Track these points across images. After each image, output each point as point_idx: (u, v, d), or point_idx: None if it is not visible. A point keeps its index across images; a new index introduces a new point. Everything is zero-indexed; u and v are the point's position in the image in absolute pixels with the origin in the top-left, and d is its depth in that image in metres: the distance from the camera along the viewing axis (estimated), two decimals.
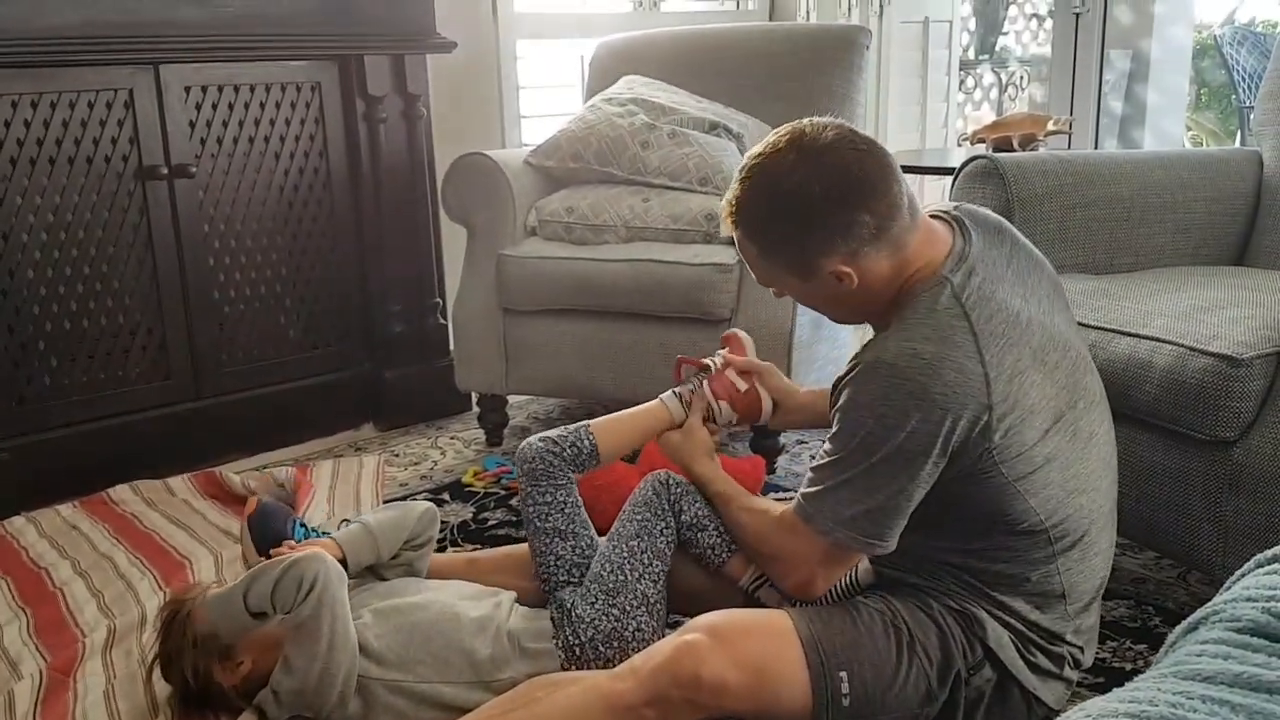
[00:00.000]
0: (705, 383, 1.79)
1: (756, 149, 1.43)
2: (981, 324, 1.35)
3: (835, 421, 1.42)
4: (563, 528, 1.66)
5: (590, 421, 1.74)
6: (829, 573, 1.48)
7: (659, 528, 1.64)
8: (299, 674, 1.47)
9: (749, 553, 1.64)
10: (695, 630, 1.41)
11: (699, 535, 1.66)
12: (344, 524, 1.94)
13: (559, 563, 1.65)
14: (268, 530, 1.82)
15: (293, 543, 1.71)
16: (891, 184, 1.37)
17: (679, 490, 1.68)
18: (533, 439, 1.70)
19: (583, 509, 1.69)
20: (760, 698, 1.39)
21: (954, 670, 1.43)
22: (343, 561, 1.64)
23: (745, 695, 1.38)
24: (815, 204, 1.36)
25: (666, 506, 1.66)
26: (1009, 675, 1.45)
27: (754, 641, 1.41)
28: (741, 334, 1.86)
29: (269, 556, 1.77)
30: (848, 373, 1.42)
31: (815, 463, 1.44)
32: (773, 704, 1.40)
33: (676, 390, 1.79)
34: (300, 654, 1.47)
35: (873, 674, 1.41)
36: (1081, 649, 1.51)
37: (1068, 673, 1.50)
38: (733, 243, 2.45)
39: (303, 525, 1.83)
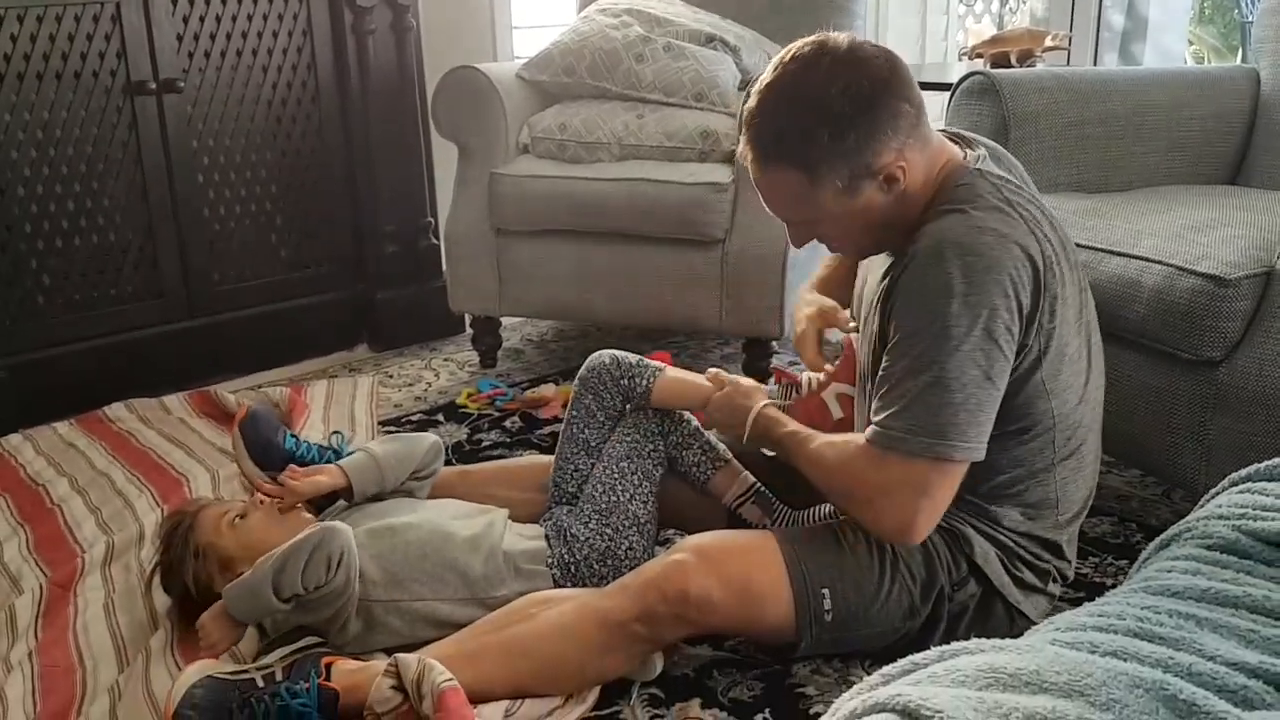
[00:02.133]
0: (793, 402, 1.60)
1: (775, 75, 1.36)
2: (1021, 209, 1.38)
3: (900, 321, 1.35)
4: (593, 443, 1.71)
5: (665, 368, 1.72)
6: (932, 504, 1.36)
7: (647, 449, 1.67)
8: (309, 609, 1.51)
9: (835, 499, 1.51)
10: (684, 550, 1.45)
11: (683, 454, 1.69)
12: (334, 435, 1.96)
13: (575, 475, 1.70)
14: (259, 435, 1.83)
15: (296, 469, 1.71)
16: (912, 76, 1.39)
17: (667, 412, 1.71)
18: (606, 352, 1.73)
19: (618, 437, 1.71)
20: (745, 614, 1.43)
21: (937, 587, 1.46)
22: (348, 490, 1.67)
23: (731, 612, 1.42)
24: (865, 99, 1.32)
25: (655, 429, 1.69)
26: (993, 590, 1.48)
27: (739, 561, 1.45)
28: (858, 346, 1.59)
29: (267, 473, 1.79)
30: (896, 269, 1.37)
31: (882, 385, 1.36)
32: (758, 620, 1.45)
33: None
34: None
35: (855, 591, 1.45)
36: (1069, 562, 1.55)
37: (1051, 587, 1.54)
38: (730, 160, 2.48)
39: (293, 436, 1.84)
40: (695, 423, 1.73)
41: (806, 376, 1.55)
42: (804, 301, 1.76)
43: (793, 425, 1.53)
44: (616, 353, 1.73)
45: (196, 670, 1.39)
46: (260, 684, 1.38)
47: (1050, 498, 1.48)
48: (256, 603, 1.48)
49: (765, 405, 1.57)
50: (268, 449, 1.80)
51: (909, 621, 1.47)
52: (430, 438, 1.79)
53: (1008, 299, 1.31)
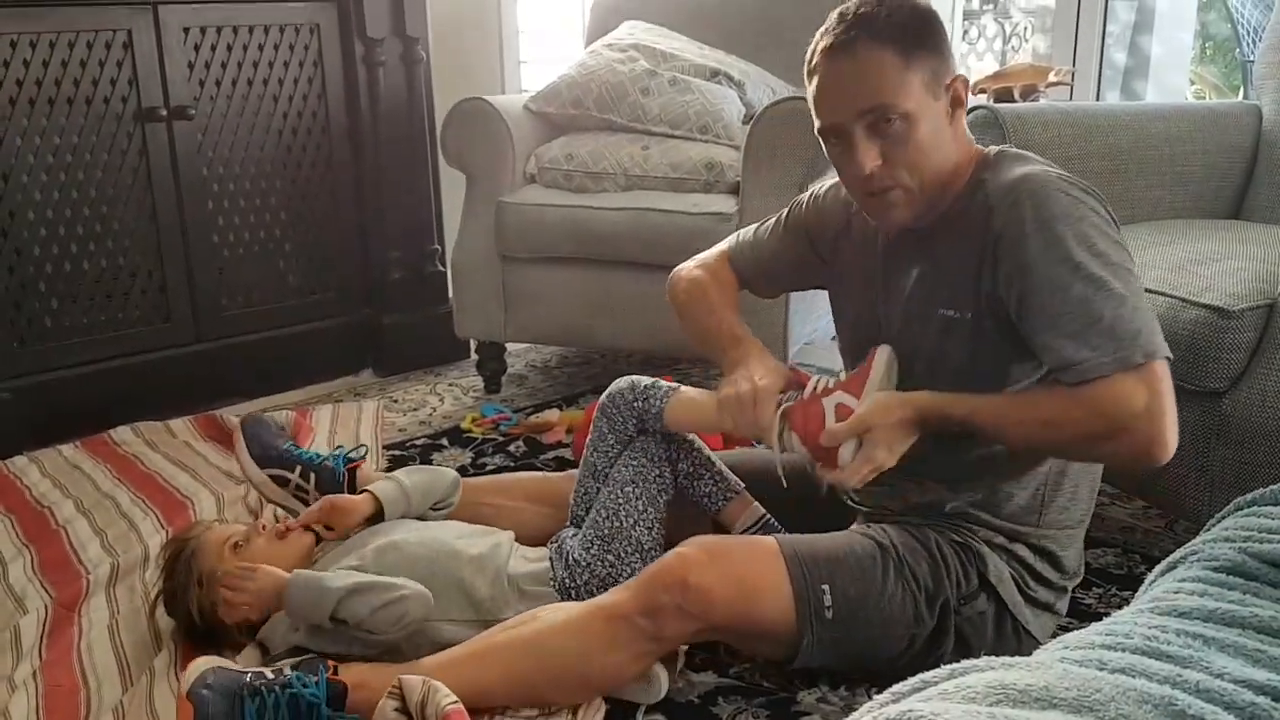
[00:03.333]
0: (793, 404, 1.47)
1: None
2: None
3: (1035, 257, 1.32)
4: (600, 467, 1.71)
5: (680, 388, 1.71)
6: (1173, 408, 1.31)
7: (653, 475, 1.67)
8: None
9: (1068, 445, 1.39)
10: (686, 545, 1.48)
11: (695, 484, 1.70)
12: (338, 449, 1.97)
13: (584, 499, 1.71)
14: (259, 436, 1.84)
15: (335, 499, 1.73)
16: None
17: (676, 440, 1.71)
18: (626, 376, 1.74)
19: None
20: (745, 607, 1.44)
21: (942, 598, 1.47)
22: (379, 514, 1.69)
23: (731, 604, 1.43)
24: (938, 22, 1.43)
25: (661, 454, 1.69)
26: (1005, 608, 1.49)
27: (739, 554, 1.48)
28: (882, 355, 1.48)
29: (267, 470, 1.78)
30: (975, 228, 1.39)
31: (1063, 321, 1.31)
32: (758, 614, 1.45)
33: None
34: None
35: (856, 589, 1.45)
36: (1079, 573, 1.57)
37: (1059, 605, 1.55)
38: (734, 192, 2.50)
39: (296, 446, 1.85)
40: (707, 451, 1.73)
41: (815, 379, 1.50)
42: (759, 369, 1.56)
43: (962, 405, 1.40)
44: (635, 377, 1.74)
45: (205, 662, 1.40)
46: (270, 677, 1.39)
47: (1063, 504, 1.50)
48: (313, 603, 1.48)
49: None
50: (267, 446, 1.81)
51: (915, 629, 1.47)
52: (451, 474, 1.82)
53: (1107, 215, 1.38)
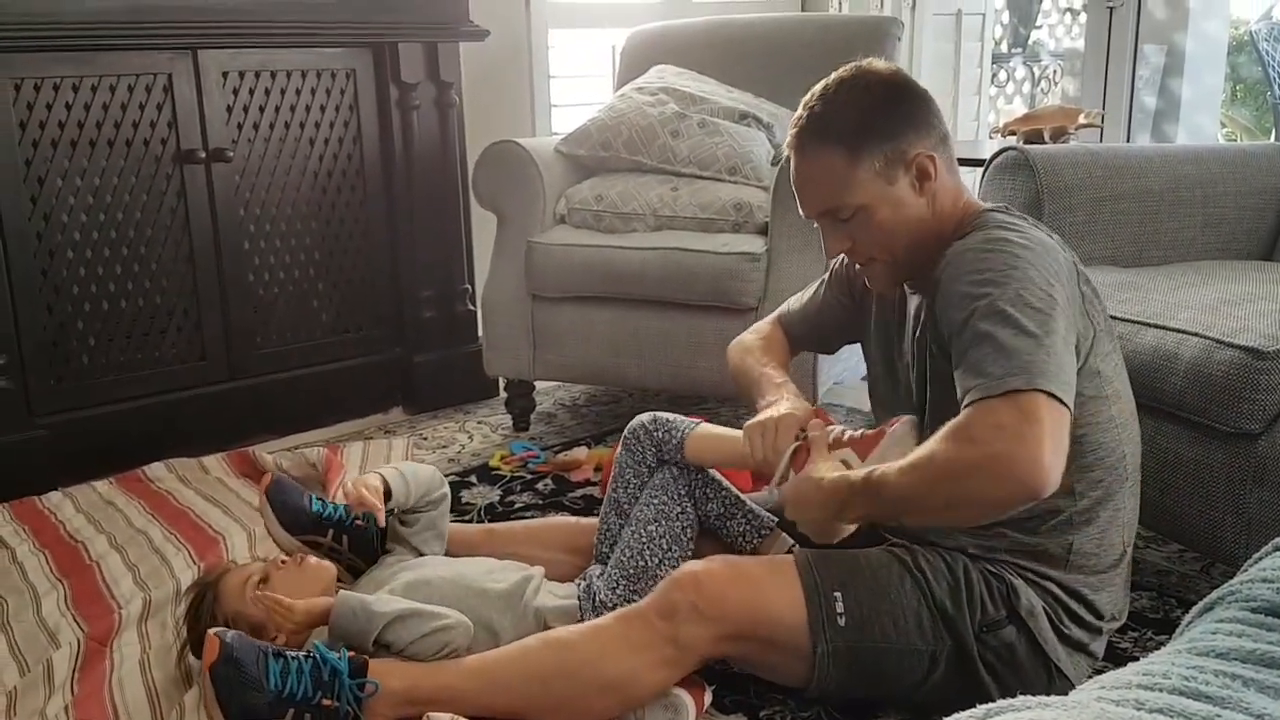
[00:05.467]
0: (801, 443, 1.52)
1: (820, 85, 1.48)
2: (1047, 234, 1.47)
3: (949, 309, 1.36)
4: (623, 503, 1.71)
5: (701, 423, 1.74)
6: (1053, 437, 1.23)
7: (675, 511, 1.66)
8: None
9: (947, 489, 1.29)
10: (704, 559, 1.53)
11: (728, 524, 1.70)
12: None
13: (608, 535, 1.72)
14: (287, 503, 1.84)
15: (363, 490, 1.72)
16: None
17: (699, 480, 1.71)
18: (649, 413, 1.76)
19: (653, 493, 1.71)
20: (759, 610, 1.47)
21: (959, 621, 1.46)
22: (387, 492, 1.70)
23: (744, 605, 1.46)
24: (901, 96, 1.47)
25: (683, 491, 1.69)
26: (1037, 644, 1.48)
27: (754, 564, 1.54)
28: (901, 427, 1.48)
29: (298, 536, 1.80)
30: (930, 289, 1.44)
31: (959, 366, 1.32)
32: (772, 618, 1.47)
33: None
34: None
35: (869, 597, 1.46)
36: (1119, 617, 1.56)
37: (1095, 646, 1.53)
38: (763, 232, 2.51)
39: (319, 500, 1.86)
40: (735, 491, 1.72)
41: (838, 428, 1.51)
42: (787, 404, 1.61)
43: (865, 477, 1.37)
44: (657, 413, 1.77)
45: (225, 631, 1.44)
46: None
47: (1090, 550, 1.49)
48: (360, 628, 1.48)
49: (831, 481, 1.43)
50: (296, 514, 1.82)
51: (932, 646, 1.46)
52: (428, 467, 1.84)
53: (1054, 272, 1.37)
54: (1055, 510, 1.46)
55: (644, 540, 1.64)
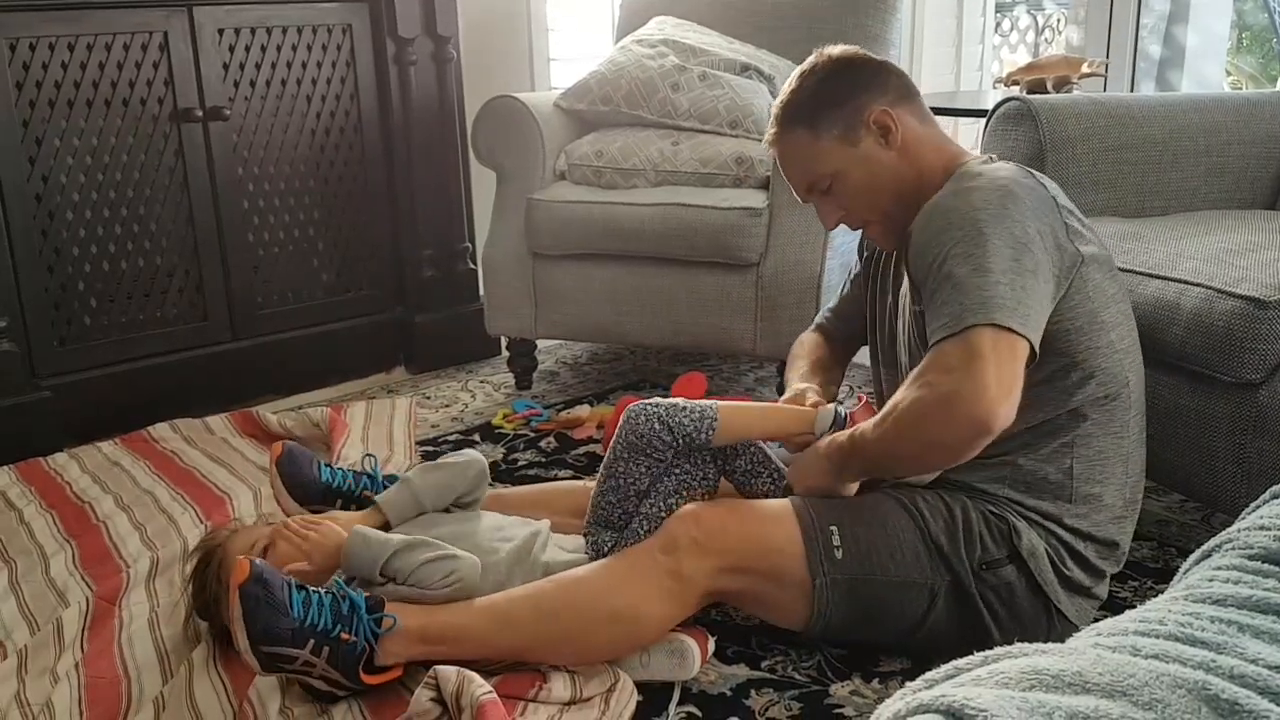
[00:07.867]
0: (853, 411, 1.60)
1: (787, 81, 1.63)
2: (1023, 172, 1.50)
3: (918, 255, 1.45)
4: (645, 489, 1.59)
5: (717, 416, 1.57)
6: (1000, 371, 1.31)
7: (698, 476, 1.60)
8: None
9: (913, 432, 1.39)
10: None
11: (753, 481, 1.65)
12: (367, 458, 1.97)
13: (622, 515, 1.60)
14: (296, 472, 1.85)
15: (334, 513, 1.74)
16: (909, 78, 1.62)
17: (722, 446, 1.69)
18: (650, 412, 1.56)
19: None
20: (757, 540, 1.50)
21: (955, 556, 1.48)
22: (385, 526, 1.67)
23: (744, 536, 1.49)
24: (851, 64, 1.59)
25: (708, 457, 1.61)
26: (1036, 585, 1.50)
27: (752, 504, 1.58)
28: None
29: (308, 507, 1.81)
30: (910, 239, 1.48)
31: (928, 314, 1.41)
32: (771, 548, 1.49)
33: (840, 402, 1.65)
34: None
35: (866, 532, 1.49)
36: (1120, 558, 1.59)
37: (1098, 589, 1.55)
38: (765, 186, 2.50)
39: (327, 466, 1.86)
40: (762, 448, 1.66)
41: (853, 400, 1.59)
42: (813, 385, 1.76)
43: (852, 446, 1.48)
44: (666, 420, 1.56)
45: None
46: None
47: (1093, 477, 1.51)
48: (371, 557, 1.50)
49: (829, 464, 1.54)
50: (306, 485, 1.83)
51: (930, 579, 1.49)
52: (478, 463, 1.75)
53: (1028, 208, 1.41)
54: (1058, 430, 1.49)
55: (663, 513, 1.57)
